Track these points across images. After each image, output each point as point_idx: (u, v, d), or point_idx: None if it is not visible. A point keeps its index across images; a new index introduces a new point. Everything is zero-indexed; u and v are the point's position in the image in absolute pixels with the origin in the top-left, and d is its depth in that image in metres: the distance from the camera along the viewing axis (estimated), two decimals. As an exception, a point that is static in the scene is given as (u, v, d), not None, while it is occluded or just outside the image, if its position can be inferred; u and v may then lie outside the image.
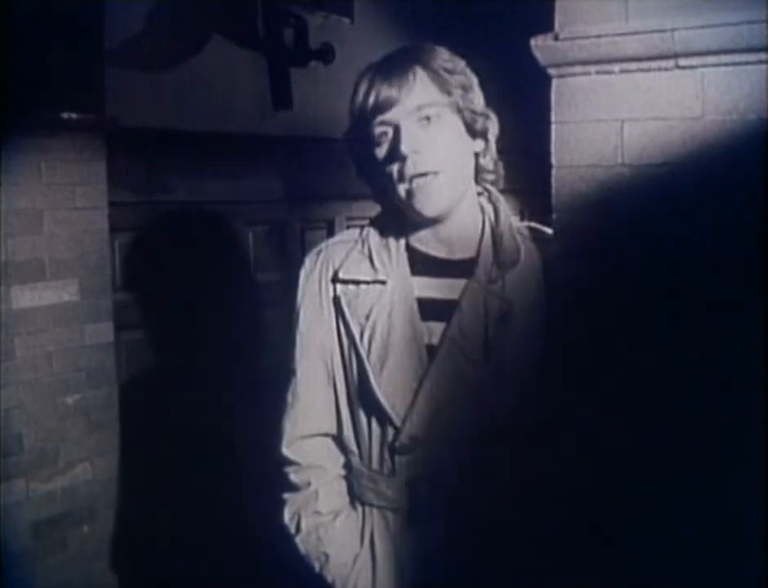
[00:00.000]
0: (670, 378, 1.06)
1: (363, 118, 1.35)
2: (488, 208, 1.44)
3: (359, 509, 1.45)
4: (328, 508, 1.45)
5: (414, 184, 1.33)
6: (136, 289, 2.80)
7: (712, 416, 1.04)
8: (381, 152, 1.35)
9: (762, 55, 0.97)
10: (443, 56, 1.38)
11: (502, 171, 1.46)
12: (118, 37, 2.60)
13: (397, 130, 1.33)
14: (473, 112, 1.38)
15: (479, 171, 1.44)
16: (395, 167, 1.34)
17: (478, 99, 1.40)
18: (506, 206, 1.45)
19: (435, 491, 1.38)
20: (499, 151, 1.46)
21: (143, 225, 2.80)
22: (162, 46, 2.81)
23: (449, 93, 1.35)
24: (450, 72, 1.36)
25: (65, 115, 2.38)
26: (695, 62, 1.01)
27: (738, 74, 0.99)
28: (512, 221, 1.44)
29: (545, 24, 1.09)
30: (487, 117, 1.41)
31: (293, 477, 1.47)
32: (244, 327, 3.07)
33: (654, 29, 1.01)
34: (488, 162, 1.43)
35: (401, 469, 1.38)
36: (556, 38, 1.08)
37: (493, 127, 1.43)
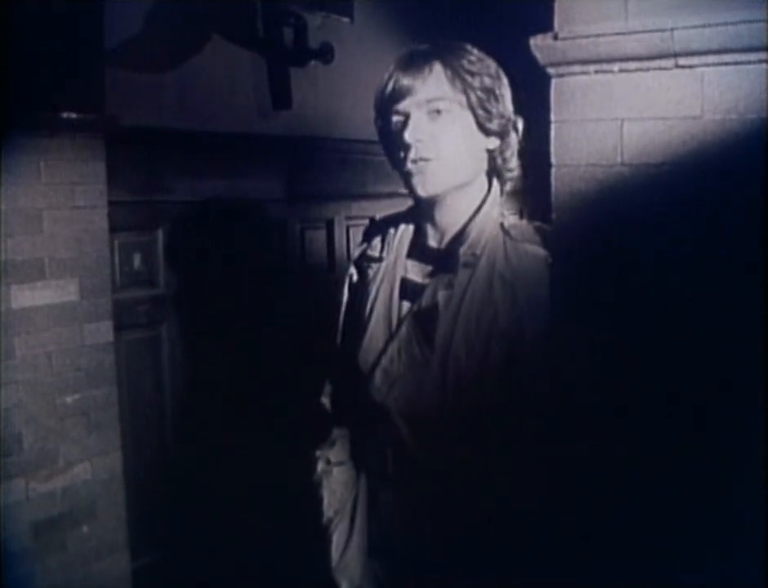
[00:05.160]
0: (670, 377, 1.06)
1: (384, 107, 1.46)
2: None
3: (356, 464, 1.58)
4: (336, 458, 1.60)
5: (414, 167, 1.42)
6: (138, 288, 2.80)
7: (712, 417, 1.04)
8: (395, 138, 1.45)
9: (762, 55, 0.97)
10: (469, 57, 1.44)
11: (518, 169, 1.54)
12: (118, 37, 2.60)
13: (407, 119, 1.42)
14: (487, 111, 1.43)
15: (494, 168, 1.51)
16: (402, 152, 1.43)
17: (500, 101, 1.45)
18: (495, 203, 1.48)
19: (399, 460, 1.46)
20: (520, 152, 1.52)
21: (143, 225, 2.80)
22: (162, 46, 2.82)
23: (464, 92, 1.41)
24: (472, 73, 1.42)
25: (65, 115, 2.38)
26: (695, 62, 1.01)
27: (738, 74, 0.99)
28: (494, 218, 1.46)
29: (545, 24, 1.09)
30: (505, 118, 1.46)
31: (326, 424, 1.63)
32: (246, 327, 3.07)
33: (654, 29, 1.01)
34: (503, 159, 1.50)
35: (374, 433, 1.50)
36: (556, 38, 1.08)
37: (514, 129, 1.49)
